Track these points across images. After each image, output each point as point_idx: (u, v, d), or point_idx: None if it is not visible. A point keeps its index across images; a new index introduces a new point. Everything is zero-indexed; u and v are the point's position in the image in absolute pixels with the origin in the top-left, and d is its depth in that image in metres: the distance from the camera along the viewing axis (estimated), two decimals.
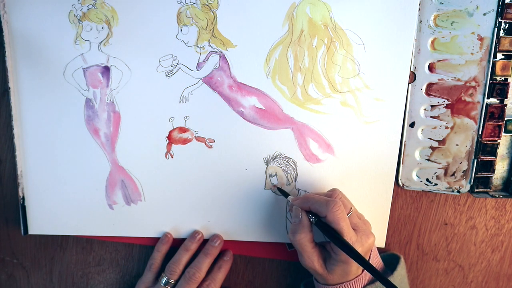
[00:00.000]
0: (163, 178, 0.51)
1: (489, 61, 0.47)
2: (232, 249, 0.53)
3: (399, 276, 0.47)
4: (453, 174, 0.50)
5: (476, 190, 0.50)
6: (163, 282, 0.50)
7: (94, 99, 0.49)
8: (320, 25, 0.47)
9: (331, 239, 0.42)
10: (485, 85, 0.47)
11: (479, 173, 0.50)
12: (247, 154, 0.50)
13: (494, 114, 0.48)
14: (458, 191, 0.51)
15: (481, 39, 0.46)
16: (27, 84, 0.48)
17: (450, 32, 0.47)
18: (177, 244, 0.52)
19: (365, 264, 0.40)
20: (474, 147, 0.49)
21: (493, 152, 0.49)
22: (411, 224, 0.53)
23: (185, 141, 0.50)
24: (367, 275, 0.45)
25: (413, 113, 0.49)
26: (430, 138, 0.49)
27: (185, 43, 0.47)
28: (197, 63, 0.48)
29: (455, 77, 0.48)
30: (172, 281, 0.50)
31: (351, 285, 0.44)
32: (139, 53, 0.48)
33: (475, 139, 0.49)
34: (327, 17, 0.46)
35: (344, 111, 0.49)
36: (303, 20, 0.47)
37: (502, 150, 0.50)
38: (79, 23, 0.47)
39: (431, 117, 0.49)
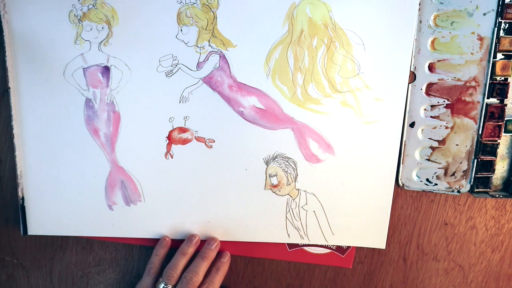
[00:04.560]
0: (162, 179, 0.51)
1: (489, 61, 0.47)
2: (232, 249, 0.53)
3: None
4: (453, 174, 0.50)
5: (476, 190, 0.50)
6: None
7: (94, 99, 0.49)
8: (320, 25, 0.47)
9: None
10: (485, 85, 0.47)
11: (479, 173, 0.50)
12: (247, 154, 0.50)
13: (494, 114, 0.48)
14: (458, 191, 0.51)
15: (481, 39, 0.46)
16: (27, 84, 0.48)
17: (450, 32, 0.47)
18: (176, 245, 0.52)
19: None
20: (474, 147, 0.49)
21: (493, 152, 0.49)
22: (411, 224, 0.53)
23: (185, 141, 0.50)
24: None
25: (413, 113, 0.49)
26: (430, 138, 0.49)
27: (185, 43, 0.47)
28: (197, 63, 0.48)
29: (455, 77, 0.48)
30: (170, 286, 0.49)
31: None
32: (139, 53, 0.48)
33: (475, 139, 0.49)
34: (327, 17, 0.47)
35: (344, 111, 0.49)
36: (303, 20, 0.47)
37: (502, 150, 0.50)
38: (79, 23, 0.47)
39: (431, 117, 0.49)
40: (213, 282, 0.51)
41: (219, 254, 0.53)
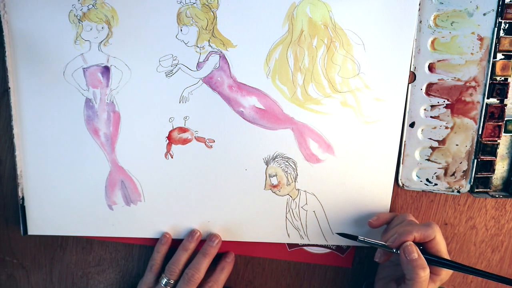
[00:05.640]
0: (163, 179, 0.51)
1: (489, 61, 0.47)
2: (232, 249, 0.53)
3: None
4: (453, 174, 0.50)
5: (476, 190, 0.50)
6: (163, 283, 0.50)
7: (94, 99, 0.49)
8: (320, 25, 0.47)
9: (443, 265, 0.44)
10: (485, 85, 0.47)
11: (479, 173, 0.50)
12: (247, 154, 0.50)
13: (494, 114, 0.48)
14: (458, 191, 0.51)
15: (481, 39, 0.46)
16: (27, 84, 0.48)
17: (450, 32, 0.47)
18: (177, 244, 0.52)
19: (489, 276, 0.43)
20: (474, 147, 0.49)
21: (493, 152, 0.49)
22: None
23: (185, 141, 0.50)
24: None
25: (413, 113, 0.49)
26: (430, 138, 0.49)
27: (185, 43, 0.47)
28: (197, 63, 0.48)
29: (455, 77, 0.48)
30: (172, 281, 0.50)
31: None
32: (139, 53, 0.48)
33: (475, 139, 0.49)
34: (327, 17, 0.46)
35: (344, 111, 0.49)
36: (303, 20, 0.47)
37: (502, 150, 0.50)
38: (79, 23, 0.47)
39: (431, 117, 0.49)
40: (217, 281, 0.51)
41: (223, 254, 0.53)
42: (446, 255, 0.44)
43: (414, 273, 0.42)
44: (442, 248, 0.44)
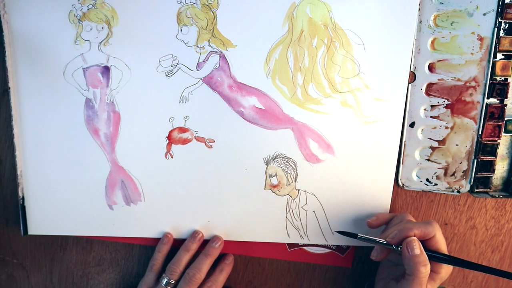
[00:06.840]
0: (163, 178, 0.51)
1: (489, 61, 0.47)
2: (232, 249, 0.53)
3: None
4: (453, 174, 0.50)
5: (476, 190, 0.50)
6: (164, 283, 0.50)
7: (94, 99, 0.49)
8: (320, 25, 0.47)
9: (444, 260, 0.44)
10: (485, 85, 0.47)
11: (479, 173, 0.50)
12: (247, 154, 0.50)
13: (494, 114, 0.48)
14: (458, 191, 0.51)
15: (481, 39, 0.46)
16: (27, 84, 0.48)
17: (450, 32, 0.47)
18: (177, 244, 0.52)
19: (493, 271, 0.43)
20: (474, 147, 0.49)
21: (493, 152, 0.49)
22: None
23: (185, 141, 0.50)
24: None
25: (413, 113, 0.49)
26: (430, 138, 0.49)
27: (185, 43, 0.47)
28: (197, 63, 0.48)
29: (455, 77, 0.48)
30: (172, 281, 0.50)
31: None
32: (139, 53, 0.48)
33: (475, 139, 0.49)
34: (327, 17, 0.46)
35: (344, 111, 0.49)
36: (303, 20, 0.47)
37: (502, 150, 0.50)
38: (79, 23, 0.47)
39: (431, 117, 0.49)
40: (216, 281, 0.51)
41: (223, 256, 0.53)
42: (446, 253, 0.45)
43: (415, 269, 0.42)
44: (442, 246, 0.44)
